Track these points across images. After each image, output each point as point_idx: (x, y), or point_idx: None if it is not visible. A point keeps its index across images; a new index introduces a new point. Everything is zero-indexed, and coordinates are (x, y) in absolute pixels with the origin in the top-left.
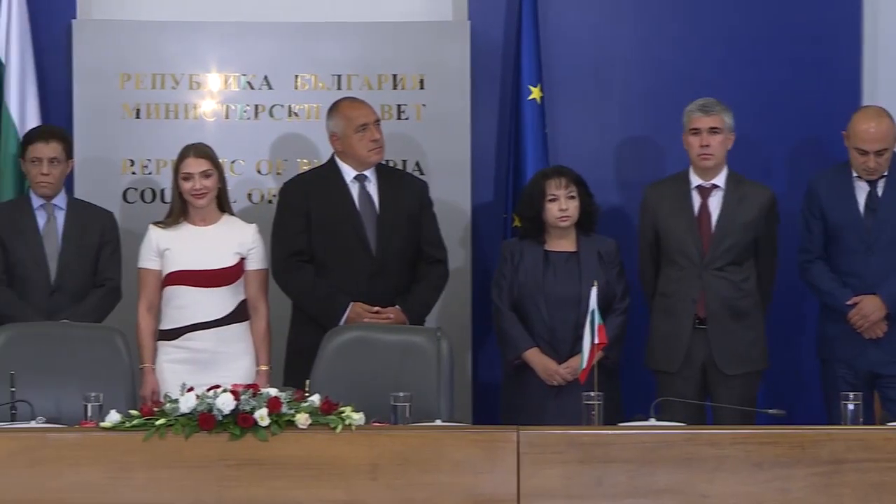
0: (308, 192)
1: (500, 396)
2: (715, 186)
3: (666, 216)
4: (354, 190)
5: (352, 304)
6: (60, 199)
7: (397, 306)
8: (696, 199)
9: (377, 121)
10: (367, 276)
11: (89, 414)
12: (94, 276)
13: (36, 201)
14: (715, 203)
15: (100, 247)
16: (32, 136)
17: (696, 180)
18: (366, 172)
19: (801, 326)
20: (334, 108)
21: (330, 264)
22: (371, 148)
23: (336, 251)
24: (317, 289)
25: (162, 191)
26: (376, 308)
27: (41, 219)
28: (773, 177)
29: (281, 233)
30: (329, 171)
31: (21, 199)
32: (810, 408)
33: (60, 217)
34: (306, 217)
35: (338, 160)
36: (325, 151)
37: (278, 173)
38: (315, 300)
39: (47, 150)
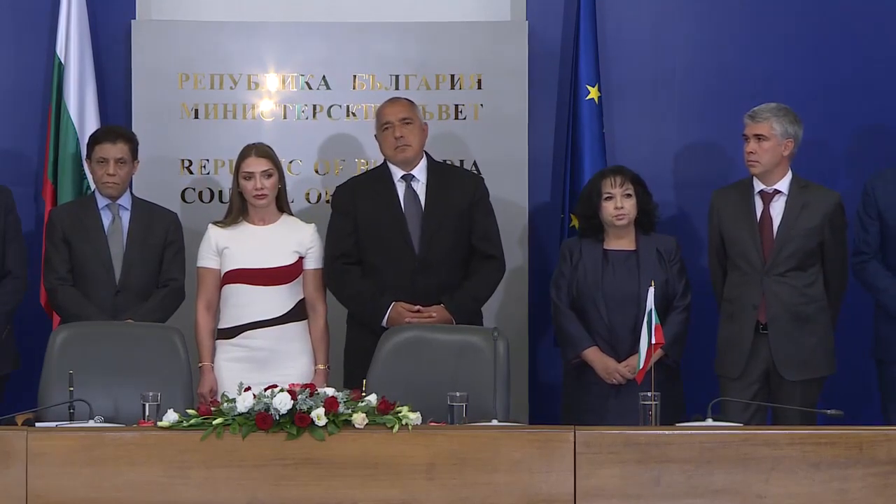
0: (357, 194)
1: (561, 396)
2: (777, 192)
3: (729, 221)
4: (401, 189)
5: (393, 303)
6: (125, 200)
7: (441, 304)
8: (759, 205)
9: (404, 119)
10: (410, 274)
11: (147, 413)
12: (158, 277)
13: (101, 201)
14: (777, 209)
15: (164, 247)
16: (99, 137)
17: (758, 185)
18: (414, 172)
19: (866, 329)
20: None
21: (375, 264)
22: (395, 146)
23: (380, 251)
24: (360, 290)
25: (220, 191)
26: (417, 307)
27: (106, 219)
28: (836, 178)
29: (330, 235)
30: (381, 173)
31: (86, 199)
32: (875, 410)
33: (125, 217)
34: (354, 219)
35: (388, 161)
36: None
37: (336, 173)
38: (359, 301)
39: (114, 150)
